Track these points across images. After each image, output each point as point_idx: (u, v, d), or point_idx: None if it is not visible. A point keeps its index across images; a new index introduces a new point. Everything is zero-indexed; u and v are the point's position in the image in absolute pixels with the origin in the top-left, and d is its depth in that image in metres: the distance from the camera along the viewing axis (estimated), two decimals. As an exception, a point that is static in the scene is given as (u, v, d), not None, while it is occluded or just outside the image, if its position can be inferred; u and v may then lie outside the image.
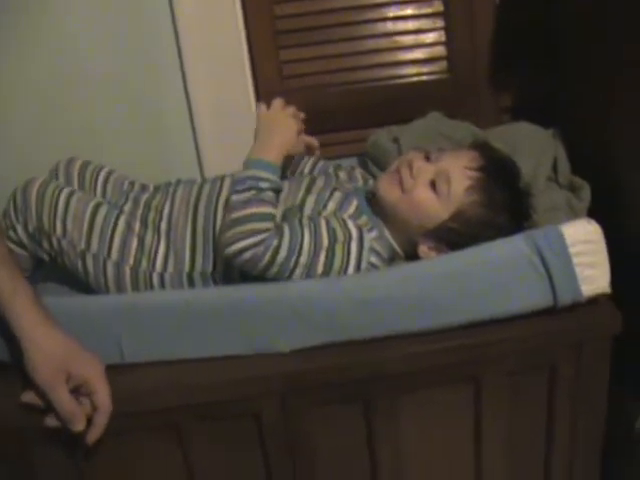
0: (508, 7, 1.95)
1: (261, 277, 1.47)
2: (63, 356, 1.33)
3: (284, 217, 1.54)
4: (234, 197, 1.48)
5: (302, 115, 1.62)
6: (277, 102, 1.60)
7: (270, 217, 1.47)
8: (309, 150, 1.70)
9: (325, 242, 1.46)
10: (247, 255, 1.42)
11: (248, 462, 1.50)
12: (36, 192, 1.59)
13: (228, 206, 1.49)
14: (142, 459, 1.49)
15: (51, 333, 1.33)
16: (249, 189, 1.47)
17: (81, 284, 1.63)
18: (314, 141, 1.69)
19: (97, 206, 1.60)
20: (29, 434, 1.44)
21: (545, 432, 1.54)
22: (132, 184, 1.79)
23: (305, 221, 1.49)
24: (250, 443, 1.48)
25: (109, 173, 1.79)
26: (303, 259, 1.44)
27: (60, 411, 1.33)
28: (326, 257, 1.45)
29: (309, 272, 1.45)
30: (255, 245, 1.42)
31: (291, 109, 1.60)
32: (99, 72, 1.93)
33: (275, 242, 1.42)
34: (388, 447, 1.51)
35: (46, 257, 1.63)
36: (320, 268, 1.45)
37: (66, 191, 1.60)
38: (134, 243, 1.58)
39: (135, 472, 1.51)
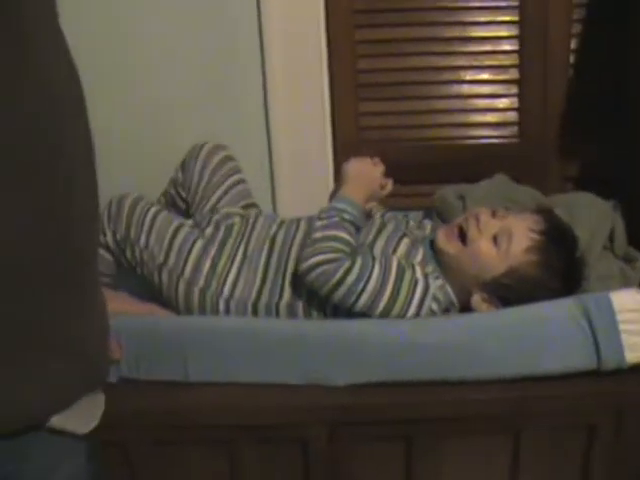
0: (581, 78, 2.04)
1: (326, 302, 1.58)
2: None
3: (356, 251, 1.63)
4: (318, 222, 1.61)
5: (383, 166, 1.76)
6: (364, 158, 1.75)
7: (347, 243, 1.59)
8: (382, 188, 1.80)
9: (393, 278, 1.56)
10: (320, 270, 1.54)
11: (292, 486, 1.59)
12: (129, 205, 1.74)
13: (311, 229, 1.62)
14: (193, 471, 1.59)
15: None
16: (333, 216, 1.61)
17: (154, 293, 1.75)
18: (389, 182, 1.80)
19: (179, 227, 1.74)
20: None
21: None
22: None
23: (377, 256, 1.61)
24: (296, 468, 1.55)
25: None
26: (370, 287, 1.54)
27: None
28: (391, 293, 1.55)
29: (373, 304, 1.55)
30: (329, 262, 1.54)
31: (377, 161, 1.75)
32: (186, 116, 2.06)
33: (348, 264, 1.53)
34: (427, 487, 1.58)
35: (126, 264, 1.76)
36: (384, 302, 1.55)
37: (154, 209, 1.76)
38: (207, 266, 1.70)
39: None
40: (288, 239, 1.70)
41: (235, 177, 1.91)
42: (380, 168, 1.74)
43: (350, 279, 1.53)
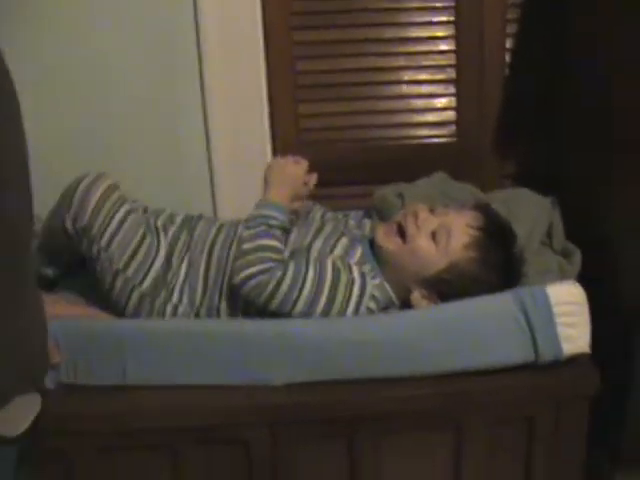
0: (516, 77, 2.07)
1: (264, 310, 1.56)
2: None
3: (292, 255, 1.64)
4: (245, 232, 1.60)
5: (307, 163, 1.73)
6: (285, 157, 1.74)
7: (277, 250, 1.58)
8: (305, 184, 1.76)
9: (328, 281, 1.55)
10: (253, 282, 1.53)
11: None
12: (99, 196, 1.65)
13: (240, 240, 1.61)
14: (137, 476, 1.57)
15: None
16: (259, 225, 1.60)
17: (98, 290, 1.70)
18: (312, 176, 1.76)
19: (144, 235, 1.68)
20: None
21: (523, 482, 1.61)
22: (145, 210, 1.84)
23: (312, 259, 1.60)
24: (239, 469, 1.55)
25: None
26: (305, 293, 1.54)
27: None
28: (328, 295, 1.55)
29: (310, 308, 1.55)
30: (261, 273, 1.53)
31: (299, 159, 1.73)
32: (126, 108, 2.05)
33: (279, 273, 1.53)
34: (370, 485, 1.58)
35: (80, 253, 1.69)
36: (321, 306, 1.55)
37: (124, 209, 1.67)
38: (160, 275, 1.68)
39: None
40: (226, 244, 1.69)
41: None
42: (303, 165, 1.72)
43: (284, 288, 1.53)
